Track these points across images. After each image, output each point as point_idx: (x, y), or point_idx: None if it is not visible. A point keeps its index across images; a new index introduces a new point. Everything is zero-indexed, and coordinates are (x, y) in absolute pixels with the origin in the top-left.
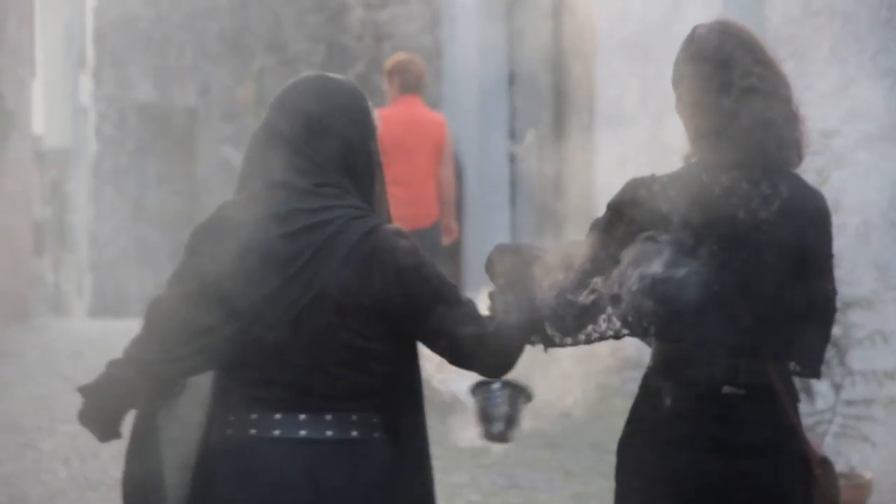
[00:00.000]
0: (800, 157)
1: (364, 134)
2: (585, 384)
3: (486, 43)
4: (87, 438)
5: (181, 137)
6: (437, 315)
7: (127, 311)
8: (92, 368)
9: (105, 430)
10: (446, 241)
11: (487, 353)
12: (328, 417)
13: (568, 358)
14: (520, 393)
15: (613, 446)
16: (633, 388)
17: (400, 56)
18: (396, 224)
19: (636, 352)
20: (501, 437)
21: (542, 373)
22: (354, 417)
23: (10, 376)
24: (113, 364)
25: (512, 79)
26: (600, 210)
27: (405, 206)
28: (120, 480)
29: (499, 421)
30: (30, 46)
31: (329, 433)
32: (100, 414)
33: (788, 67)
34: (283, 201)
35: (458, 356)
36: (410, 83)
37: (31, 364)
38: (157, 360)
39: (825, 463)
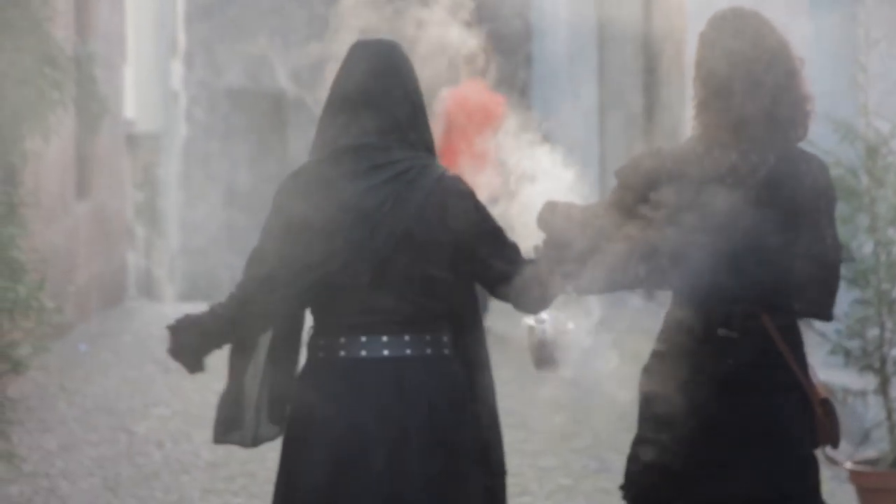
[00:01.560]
0: (803, 130)
1: (419, 92)
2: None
3: (576, 27)
4: (179, 421)
5: (271, 122)
6: (488, 250)
7: (217, 295)
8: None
9: (194, 363)
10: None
11: (522, 291)
12: (406, 338)
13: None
14: (566, 331)
15: None
16: None
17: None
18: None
19: None
20: (550, 369)
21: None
22: (428, 337)
23: (104, 359)
24: (218, 305)
25: (601, 63)
26: None
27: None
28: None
29: (547, 354)
30: (121, 32)
31: (408, 351)
32: (194, 348)
33: (881, 49)
34: (362, 158)
35: (497, 289)
36: (474, 68)
37: (124, 347)
38: (261, 299)
39: (826, 403)
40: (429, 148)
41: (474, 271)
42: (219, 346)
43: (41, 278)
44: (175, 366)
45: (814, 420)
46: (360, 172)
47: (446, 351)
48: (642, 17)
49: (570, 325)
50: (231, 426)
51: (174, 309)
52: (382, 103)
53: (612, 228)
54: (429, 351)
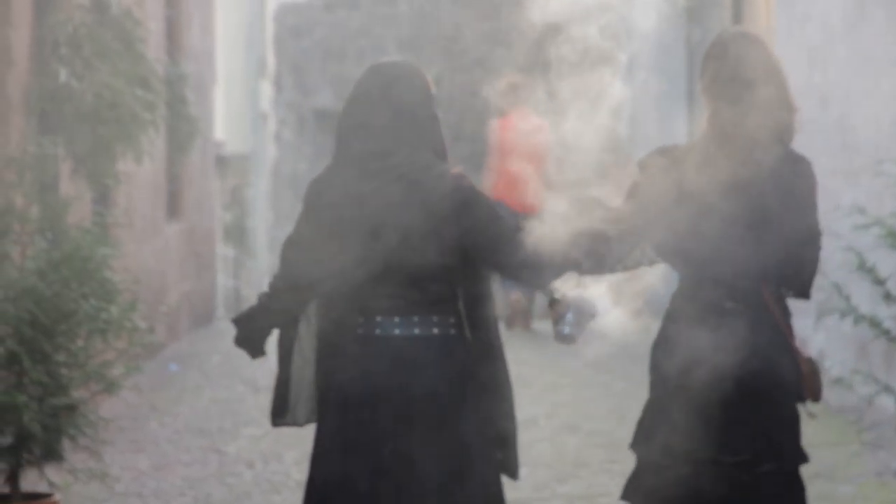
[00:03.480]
0: (790, 135)
1: (425, 102)
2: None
3: (666, 48)
4: (270, 441)
5: None
6: (493, 239)
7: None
8: (273, 372)
9: (256, 349)
10: None
11: (523, 273)
12: (415, 319)
13: None
14: (585, 306)
15: None
16: None
17: (507, 77)
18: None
19: (818, 355)
20: (569, 339)
21: None
22: (435, 318)
23: (194, 379)
24: (262, 295)
25: (691, 85)
26: None
27: (515, 195)
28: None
29: (566, 325)
30: (211, 53)
31: (416, 331)
32: (253, 336)
33: None
34: (372, 161)
35: (504, 270)
36: (517, 99)
37: (214, 368)
38: (295, 286)
39: (811, 362)
40: (436, 152)
41: (481, 256)
42: (268, 331)
43: (133, 299)
44: (264, 385)
45: (801, 378)
46: (370, 174)
47: (452, 331)
48: None
49: (591, 300)
50: (281, 410)
51: None
52: (391, 113)
53: (636, 215)
54: (435, 331)
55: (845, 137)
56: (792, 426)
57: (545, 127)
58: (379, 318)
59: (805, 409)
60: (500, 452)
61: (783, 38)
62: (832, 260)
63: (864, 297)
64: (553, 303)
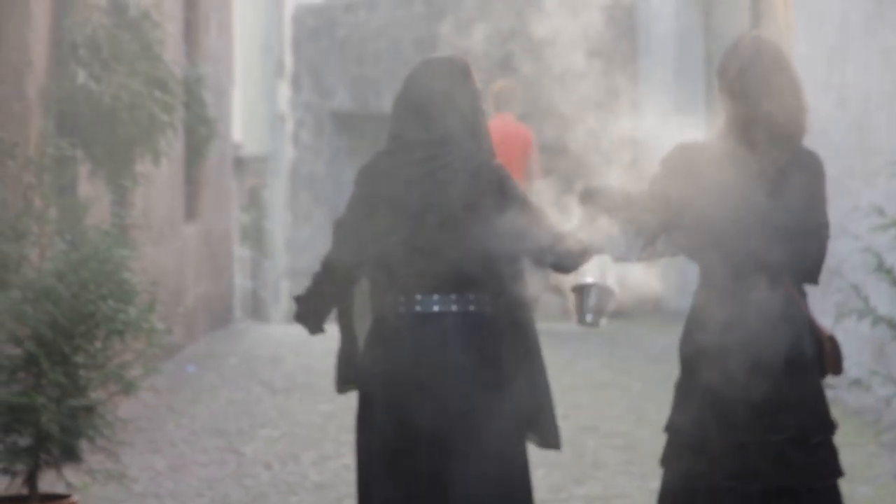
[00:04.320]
0: (802, 134)
1: (470, 96)
2: None
3: (683, 48)
4: (287, 443)
5: (377, 144)
6: (525, 225)
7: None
8: (290, 373)
9: (313, 325)
10: None
11: (552, 256)
12: (453, 297)
13: None
14: (607, 293)
15: None
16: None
17: (499, 83)
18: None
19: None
20: (591, 325)
21: None
22: (472, 296)
23: (212, 381)
24: (315, 275)
25: (709, 85)
26: None
27: None
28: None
29: (589, 312)
30: (229, 55)
31: (454, 308)
32: (309, 314)
33: None
34: (418, 150)
35: (534, 254)
36: (503, 104)
37: (231, 369)
38: (344, 266)
39: (832, 339)
40: (480, 143)
41: (514, 241)
42: (324, 309)
43: (152, 300)
44: (281, 387)
45: (823, 355)
46: (416, 161)
47: (488, 308)
48: None
49: (610, 286)
50: (347, 378)
51: (280, 330)
52: (438, 106)
53: (654, 207)
54: (471, 307)
55: (863, 138)
56: (825, 399)
57: (527, 133)
58: (419, 297)
59: (824, 383)
60: (538, 425)
61: (801, 37)
62: (850, 261)
63: (882, 299)
64: (575, 289)
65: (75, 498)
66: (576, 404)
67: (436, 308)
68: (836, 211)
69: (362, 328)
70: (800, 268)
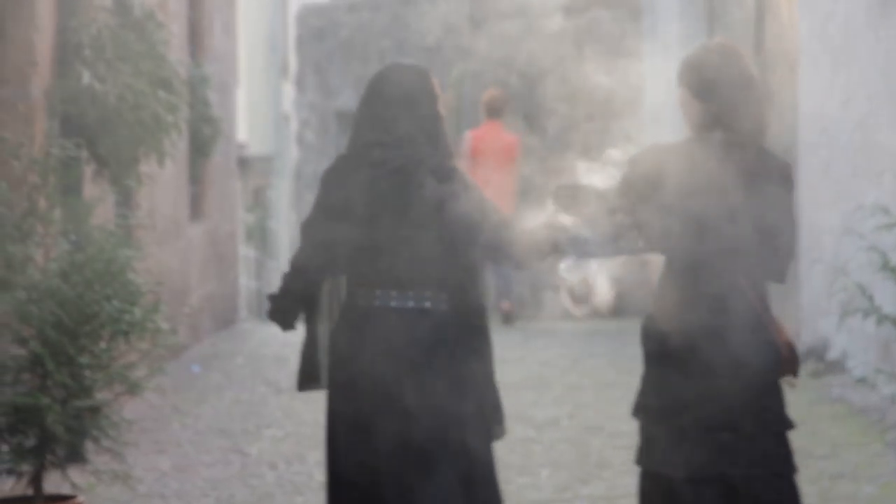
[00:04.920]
0: (764, 136)
1: (428, 101)
2: (788, 389)
3: (687, 46)
4: (292, 443)
5: None
6: (481, 223)
7: None
8: (295, 373)
9: (285, 322)
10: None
11: (508, 253)
12: (410, 293)
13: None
14: (591, 280)
15: (819, 451)
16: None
17: (490, 92)
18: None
19: (840, 355)
20: (579, 308)
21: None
22: (428, 293)
23: (217, 381)
24: (284, 276)
25: None
26: (805, 211)
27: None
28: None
29: (581, 303)
30: (233, 55)
31: (411, 304)
32: (281, 311)
33: None
34: (378, 151)
35: (492, 251)
36: (494, 112)
37: (236, 369)
38: (309, 265)
39: (790, 344)
40: (437, 147)
41: (471, 239)
42: (295, 306)
43: (156, 300)
44: (287, 387)
45: (779, 355)
46: (374, 163)
47: (443, 306)
48: (754, 38)
49: (596, 275)
50: (308, 377)
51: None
52: (396, 111)
53: (622, 205)
54: (427, 304)
55: (868, 137)
56: (772, 395)
57: (515, 140)
58: (378, 293)
59: (787, 382)
60: (490, 418)
61: (805, 37)
62: (855, 260)
63: (887, 297)
64: (562, 275)
65: (80, 498)
66: (581, 404)
67: (393, 304)
68: (841, 210)
69: (325, 329)
70: (763, 267)
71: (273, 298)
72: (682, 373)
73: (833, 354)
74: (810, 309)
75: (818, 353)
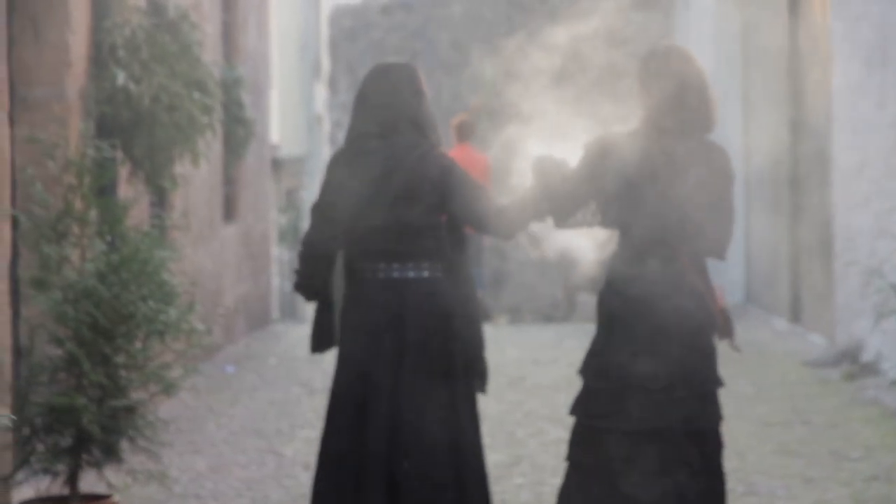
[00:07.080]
0: (708, 129)
1: (415, 96)
2: (823, 391)
3: (721, 48)
4: None
5: None
6: (466, 197)
7: None
8: (328, 374)
9: (309, 294)
10: (487, 241)
11: (494, 224)
12: (410, 265)
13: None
14: (576, 272)
15: (853, 453)
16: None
17: (459, 117)
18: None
19: (875, 357)
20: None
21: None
22: (426, 264)
23: (250, 381)
24: (300, 254)
25: (746, 84)
26: (839, 212)
27: None
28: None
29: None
30: (267, 56)
31: (411, 274)
32: (305, 282)
33: None
34: (372, 140)
35: (478, 222)
36: (464, 135)
37: (270, 370)
38: (318, 241)
39: (724, 311)
40: (424, 135)
41: (459, 212)
42: (317, 279)
43: (191, 301)
44: (320, 387)
45: (714, 320)
46: (369, 151)
47: (439, 274)
48: (788, 40)
49: (586, 247)
50: (322, 340)
51: None
52: (385, 104)
53: (580, 185)
54: (426, 273)
55: None
56: (705, 358)
57: (486, 160)
58: (381, 265)
59: (731, 346)
60: (473, 371)
61: (838, 37)
62: (890, 262)
63: None
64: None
65: (116, 498)
66: None
67: (395, 274)
68: (875, 211)
69: (339, 297)
70: (701, 245)
71: (298, 273)
72: (627, 337)
73: (867, 356)
74: (844, 310)
75: (852, 355)
